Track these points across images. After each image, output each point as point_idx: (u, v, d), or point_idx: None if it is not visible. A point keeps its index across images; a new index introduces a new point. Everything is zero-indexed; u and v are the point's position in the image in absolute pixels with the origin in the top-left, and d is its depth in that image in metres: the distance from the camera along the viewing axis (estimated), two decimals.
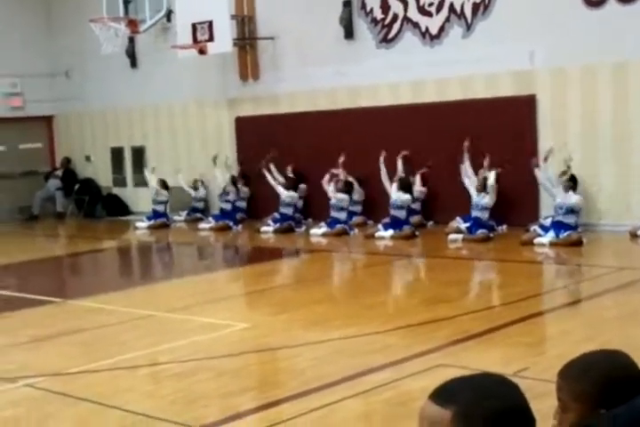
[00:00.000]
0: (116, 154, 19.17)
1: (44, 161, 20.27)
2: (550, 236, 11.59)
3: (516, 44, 12.88)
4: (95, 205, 18.93)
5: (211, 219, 15.82)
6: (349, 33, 14.84)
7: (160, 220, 16.30)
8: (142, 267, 13.79)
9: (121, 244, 15.80)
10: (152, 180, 16.61)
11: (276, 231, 14.26)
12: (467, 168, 12.98)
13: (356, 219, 14.33)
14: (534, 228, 12.03)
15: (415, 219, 13.56)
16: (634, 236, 11.66)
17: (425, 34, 14.04)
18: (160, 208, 16.47)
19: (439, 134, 13.75)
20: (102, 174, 19.45)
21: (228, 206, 15.80)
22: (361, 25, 14.81)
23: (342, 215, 13.85)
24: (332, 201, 13.86)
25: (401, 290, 10.25)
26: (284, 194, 14.65)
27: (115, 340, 7.53)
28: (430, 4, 13.94)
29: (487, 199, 12.56)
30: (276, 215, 14.73)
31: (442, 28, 13.84)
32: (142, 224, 16.34)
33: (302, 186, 15.31)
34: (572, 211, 11.75)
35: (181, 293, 9.99)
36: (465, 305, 8.41)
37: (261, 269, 11.60)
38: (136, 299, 9.58)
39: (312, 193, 15.20)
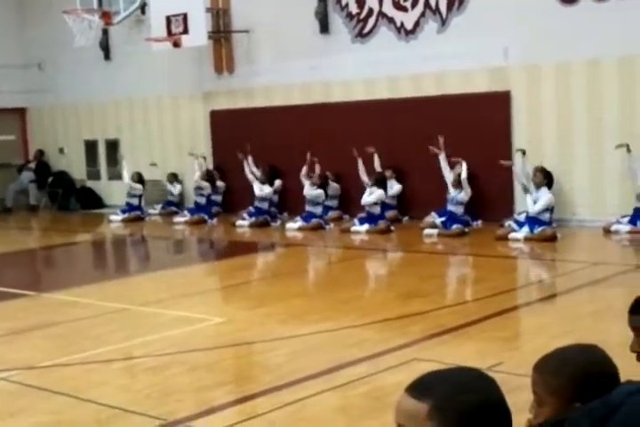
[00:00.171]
0: (90, 147, 19.06)
1: (17, 153, 20.11)
2: (525, 231, 11.67)
3: (491, 40, 12.92)
4: (69, 197, 18.82)
5: (186, 212, 15.77)
6: (325, 27, 14.82)
7: (134, 213, 16.24)
8: (117, 260, 13.72)
9: (95, 237, 15.70)
10: (126, 173, 16.52)
11: (251, 225, 14.25)
12: (444, 165, 12.95)
13: (331, 213, 14.35)
14: (509, 223, 12.10)
15: (390, 214, 13.60)
16: (607, 231, 11.75)
17: (400, 29, 14.05)
18: (134, 201, 16.41)
19: (414, 130, 13.78)
20: (76, 167, 19.32)
21: (202, 200, 15.75)
22: (336, 19, 14.80)
23: (318, 210, 13.88)
24: (308, 196, 13.89)
25: (377, 284, 10.28)
26: (259, 188, 14.63)
27: (89, 333, 7.50)
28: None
29: (463, 194, 12.65)
30: (252, 209, 14.70)
31: (417, 24, 13.86)
32: (116, 217, 16.27)
33: (277, 181, 15.29)
34: (545, 209, 11.85)
35: (156, 286, 9.95)
36: (440, 300, 8.46)
37: (237, 263, 11.58)
38: (110, 292, 9.53)
39: (287, 187, 15.20)
